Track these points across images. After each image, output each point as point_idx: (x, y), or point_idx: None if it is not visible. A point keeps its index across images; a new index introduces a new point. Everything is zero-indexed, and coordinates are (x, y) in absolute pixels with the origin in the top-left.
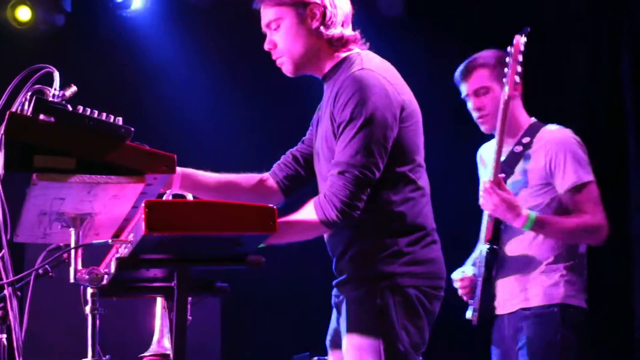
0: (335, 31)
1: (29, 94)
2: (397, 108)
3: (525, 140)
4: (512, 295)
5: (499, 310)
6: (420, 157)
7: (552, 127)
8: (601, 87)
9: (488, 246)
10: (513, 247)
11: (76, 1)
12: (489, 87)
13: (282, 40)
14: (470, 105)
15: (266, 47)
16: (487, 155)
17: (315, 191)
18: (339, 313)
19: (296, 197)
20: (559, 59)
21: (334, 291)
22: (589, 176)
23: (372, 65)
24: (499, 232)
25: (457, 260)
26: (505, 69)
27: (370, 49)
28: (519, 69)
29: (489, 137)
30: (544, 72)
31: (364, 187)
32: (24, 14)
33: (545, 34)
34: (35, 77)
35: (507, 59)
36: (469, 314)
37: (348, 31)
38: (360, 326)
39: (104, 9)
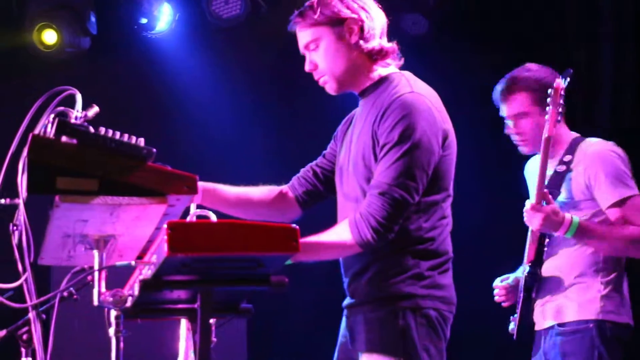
0: (375, 43)
1: (52, 116)
2: (441, 136)
3: (567, 158)
4: (549, 311)
5: (538, 326)
6: (451, 187)
7: (591, 141)
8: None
9: (529, 269)
10: (552, 265)
11: (102, 24)
12: (528, 112)
13: (322, 60)
14: (509, 127)
15: (307, 68)
16: (532, 171)
17: (332, 205)
18: (352, 333)
19: (314, 209)
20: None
21: (346, 312)
22: (630, 190)
23: (420, 89)
24: (541, 254)
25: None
26: (547, 108)
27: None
28: (561, 109)
29: (515, 154)
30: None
31: (401, 209)
32: (50, 37)
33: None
34: (57, 100)
35: (548, 100)
36: (510, 327)
37: (386, 43)
38: (381, 347)
39: (129, 31)
